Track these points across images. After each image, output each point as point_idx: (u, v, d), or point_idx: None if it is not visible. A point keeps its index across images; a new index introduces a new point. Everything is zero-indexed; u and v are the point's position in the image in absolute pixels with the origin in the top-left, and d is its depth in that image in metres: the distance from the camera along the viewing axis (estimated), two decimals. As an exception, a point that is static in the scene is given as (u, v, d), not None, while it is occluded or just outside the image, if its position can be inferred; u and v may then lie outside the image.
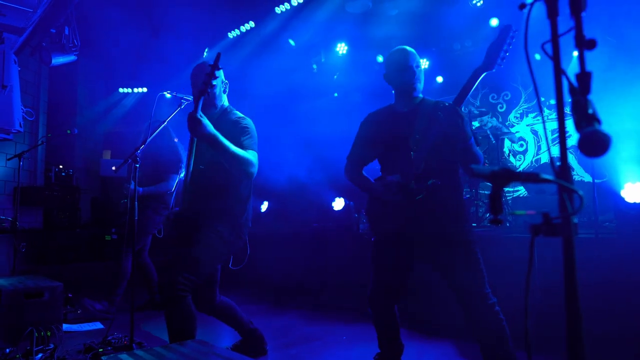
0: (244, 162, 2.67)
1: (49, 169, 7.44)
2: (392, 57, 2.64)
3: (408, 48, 2.64)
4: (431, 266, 2.54)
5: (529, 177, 0.99)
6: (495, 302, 2.39)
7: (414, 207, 2.45)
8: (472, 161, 2.44)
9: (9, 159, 5.86)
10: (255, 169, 2.75)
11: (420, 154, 2.43)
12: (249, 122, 2.91)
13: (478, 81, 2.29)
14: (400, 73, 2.59)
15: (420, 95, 2.67)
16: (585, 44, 0.99)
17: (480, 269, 2.40)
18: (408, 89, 2.60)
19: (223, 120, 2.89)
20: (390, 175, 2.54)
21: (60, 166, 7.61)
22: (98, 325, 4.23)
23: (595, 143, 0.92)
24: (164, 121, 3.55)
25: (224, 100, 3.04)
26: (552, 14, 1.05)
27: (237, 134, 2.78)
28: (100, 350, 3.29)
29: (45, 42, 5.60)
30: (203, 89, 2.44)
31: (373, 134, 2.75)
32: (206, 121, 2.48)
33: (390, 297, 2.65)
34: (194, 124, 2.44)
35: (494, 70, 2.28)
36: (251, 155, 2.72)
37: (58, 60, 5.57)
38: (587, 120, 0.96)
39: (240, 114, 2.96)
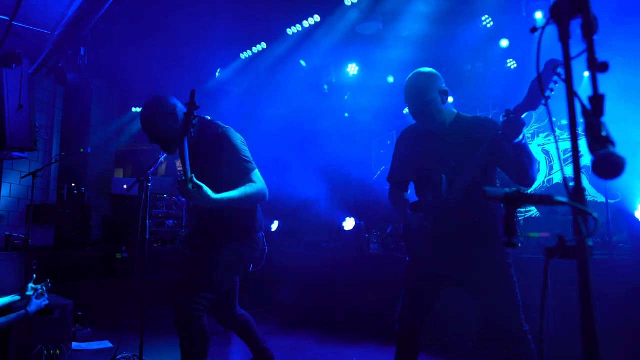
0: (254, 199, 2.61)
1: (62, 187, 7.52)
2: (405, 86, 2.43)
3: (421, 73, 2.43)
4: (464, 290, 2.38)
5: (542, 200, 0.98)
6: (528, 330, 2.21)
7: (451, 237, 2.32)
8: (526, 163, 2.16)
9: (23, 177, 5.93)
10: (266, 191, 2.66)
11: (459, 182, 2.24)
12: (231, 133, 2.72)
13: (524, 115, 2.02)
14: (410, 109, 2.44)
15: (454, 111, 2.50)
16: (597, 67, 0.99)
17: (517, 294, 2.24)
18: (419, 122, 2.46)
19: (202, 136, 2.73)
20: (427, 206, 2.38)
21: (73, 184, 7.69)
22: (107, 344, 4.22)
23: (610, 166, 0.91)
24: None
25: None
26: (564, 37, 1.04)
27: (227, 155, 2.64)
28: (109, 369, 3.29)
29: (61, 63, 5.73)
30: (186, 128, 2.38)
31: (408, 154, 2.61)
32: (205, 191, 2.34)
33: (421, 317, 2.48)
34: (192, 197, 2.32)
35: (535, 110, 2.02)
36: (257, 185, 2.62)
37: (73, 80, 5.68)
38: (600, 142, 0.95)
39: (218, 125, 2.76)
